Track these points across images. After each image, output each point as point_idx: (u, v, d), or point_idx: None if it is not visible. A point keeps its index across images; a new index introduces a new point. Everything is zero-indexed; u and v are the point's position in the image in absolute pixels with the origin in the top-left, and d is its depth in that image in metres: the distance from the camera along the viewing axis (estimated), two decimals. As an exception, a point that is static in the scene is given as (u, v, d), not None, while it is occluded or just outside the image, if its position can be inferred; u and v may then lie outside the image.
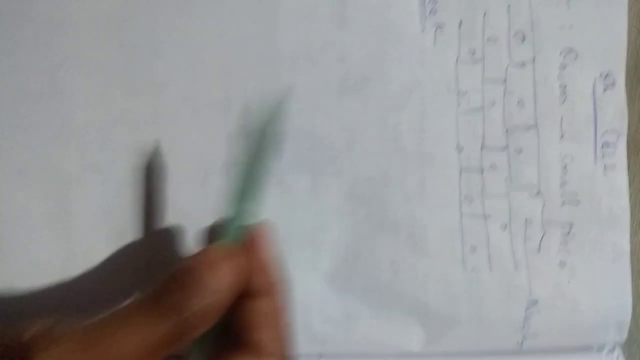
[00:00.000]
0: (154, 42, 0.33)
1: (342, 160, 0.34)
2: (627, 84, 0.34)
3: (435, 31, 0.34)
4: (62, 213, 0.33)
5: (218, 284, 0.24)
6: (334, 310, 0.35)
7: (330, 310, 0.35)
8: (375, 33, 0.33)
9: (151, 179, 0.33)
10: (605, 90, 0.33)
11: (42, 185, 0.33)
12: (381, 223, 0.34)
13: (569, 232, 0.34)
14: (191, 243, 0.34)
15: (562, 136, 0.34)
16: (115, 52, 0.33)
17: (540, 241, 0.34)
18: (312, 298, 0.34)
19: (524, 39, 0.33)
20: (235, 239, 0.26)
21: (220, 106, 0.33)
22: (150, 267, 0.34)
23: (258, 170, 0.26)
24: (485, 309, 0.35)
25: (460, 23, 0.33)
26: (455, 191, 0.34)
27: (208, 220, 0.33)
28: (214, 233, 0.27)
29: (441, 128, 0.34)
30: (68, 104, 0.33)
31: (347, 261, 0.34)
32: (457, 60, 0.34)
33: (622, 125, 0.34)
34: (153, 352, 0.23)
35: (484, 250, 0.34)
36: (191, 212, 0.34)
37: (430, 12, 0.33)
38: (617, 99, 0.34)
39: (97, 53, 0.33)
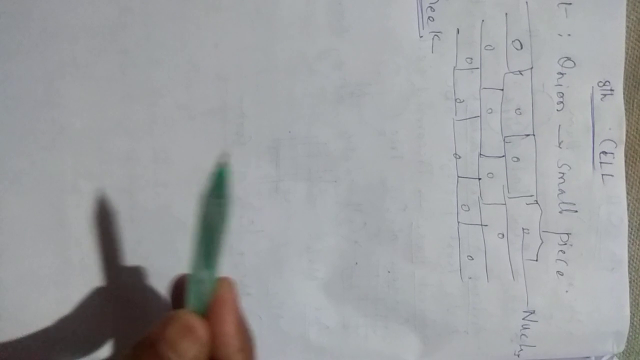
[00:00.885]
0: (150, 50, 0.33)
1: (338, 168, 0.34)
2: (625, 92, 0.33)
3: (433, 39, 0.33)
4: (58, 221, 0.33)
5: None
6: (329, 320, 0.34)
7: (326, 319, 0.34)
8: (373, 40, 0.33)
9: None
10: (603, 98, 0.33)
11: (37, 193, 0.33)
12: (378, 231, 0.34)
13: (566, 241, 0.34)
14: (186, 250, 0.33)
15: (559, 144, 0.34)
16: (112, 60, 0.33)
17: (538, 250, 0.34)
18: (307, 307, 0.34)
19: (521, 47, 0.33)
20: (199, 305, 0.25)
21: (216, 114, 0.33)
22: (144, 274, 0.33)
23: (215, 237, 0.24)
24: (482, 319, 0.34)
25: (458, 31, 0.33)
26: (453, 199, 0.34)
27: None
28: (179, 290, 0.26)
29: (438, 136, 0.34)
30: (64, 112, 0.33)
31: (343, 270, 0.34)
32: (454, 68, 0.34)
33: (620, 133, 0.34)
34: None
35: (481, 259, 0.34)
36: (187, 219, 0.33)
37: (428, 19, 0.33)
38: (615, 107, 0.33)
39: (93, 61, 0.33)
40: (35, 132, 0.33)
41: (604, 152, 0.34)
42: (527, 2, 0.33)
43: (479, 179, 0.34)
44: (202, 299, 0.25)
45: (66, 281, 0.33)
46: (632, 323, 0.35)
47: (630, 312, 0.34)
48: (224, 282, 0.26)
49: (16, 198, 0.33)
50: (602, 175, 0.34)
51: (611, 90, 0.33)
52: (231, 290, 0.26)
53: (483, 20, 0.33)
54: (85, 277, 0.33)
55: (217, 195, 0.24)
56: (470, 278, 0.34)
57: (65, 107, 0.33)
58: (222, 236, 0.24)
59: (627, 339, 0.35)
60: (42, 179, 0.33)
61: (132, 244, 0.33)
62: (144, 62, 0.33)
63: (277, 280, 0.34)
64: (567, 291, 0.34)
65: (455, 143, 0.34)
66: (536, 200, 0.34)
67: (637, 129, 0.34)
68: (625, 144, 0.34)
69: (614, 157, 0.34)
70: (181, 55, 0.33)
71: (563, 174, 0.34)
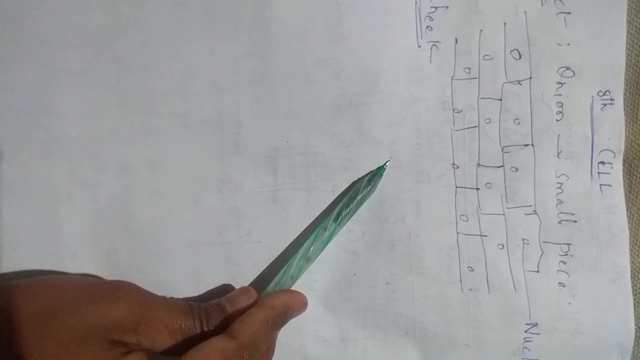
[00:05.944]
0: (145, 58, 0.33)
1: (337, 177, 0.33)
2: (625, 102, 0.33)
3: (432, 48, 0.33)
4: (52, 230, 0.33)
5: None
6: (328, 332, 0.34)
7: (324, 331, 0.34)
8: (371, 49, 0.33)
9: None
10: (603, 108, 0.33)
11: (31, 202, 0.33)
12: (376, 242, 0.34)
13: (567, 252, 0.34)
14: (180, 261, 0.33)
15: (558, 154, 0.33)
16: (106, 69, 0.32)
17: (539, 261, 0.34)
18: (305, 319, 0.34)
19: (520, 57, 0.33)
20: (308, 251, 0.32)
21: (212, 123, 0.33)
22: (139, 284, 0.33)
23: (351, 206, 0.33)
24: (483, 332, 0.34)
25: (457, 40, 0.33)
26: (451, 209, 0.34)
27: (200, 237, 0.33)
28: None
29: (437, 146, 0.34)
30: (58, 120, 0.32)
31: (342, 281, 0.34)
32: (452, 78, 0.33)
33: (620, 143, 0.33)
34: None
35: (482, 270, 0.34)
36: (182, 229, 0.33)
37: (427, 29, 0.33)
38: (615, 117, 0.33)
39: (88, 69, 0.32)
40: (30, 140, 0.32)
41: (602, 162, 0.34)
42: (525, 12, 0.33)
43: (477, 189, 0.34)
44: (317, 246, 0.32)
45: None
46: (637, 335, 0.34)
47: (635, 324, 0.34)
48: (300, 296, 0.33)
49: (10, 208, 0.32)
50: (600, 185, 0.34)
51: (611, 100, 0.33)
52: (300, 303, 0.33)
53: (481, 30, 0.33)
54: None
55: (369, 182, 0.33)
56: (471, 289, 0.34)
57: (59, 116, 0.32)
58: (356, 210, 0.33)
59: (633, 351, 0.34)
60: (36, 188, 0.32)
61: (127, 253, 0.33)
62: (139, 70, 0.33)
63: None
64: (569, 303, 0.34)
65: (453, 153, 0.34)
66: (535, 211, 0.34)
67: (636, 139, 0.34)
68: (628, 154, 0.34)
69: (612, 167, 0.34)
70: (177, 64, 0.33)
71: (561, 184, 0.34)
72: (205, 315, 0.30)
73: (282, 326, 0.31)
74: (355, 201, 0.32)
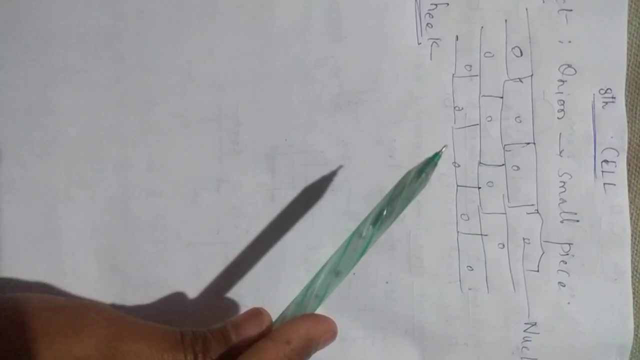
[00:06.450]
0: (144, 57, 0.33)
1: (336, 177, 0.33)
2: (627, 100, 0.33)
3: (432, 46, 0.33)
4: (51, 229, 0.33)
5: None
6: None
7: (323, 331, 0.34)
8: (371, 47, 0.33)
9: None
10: (604, 106, 0.33)
11: (30, 201, 0.33)
12: (376, 241, 0.33)
13: (568, 252, 0.33)
14: (178, 260, 0.33)
15: (560, 153, 0.33)
16: (106, 67, 0.33)
17: (539, 261, 0.33)
18: (304, 319, 0.34)
19: (521, 54, 0.33)
20: (337, 264, 0.27)
21: (212, 122, 0.33)
22: (137, 284, 0.33)
23: (395, 206, 0.26)
24: (482, 331, 0.34)
25: (457, 38, 0.33)
26: (452, 209, 0.34)
27: (198, 236, 0.33)
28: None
29: (437, 144, 0.33)
30: (57, 119, 0.32)
31: (341, 281, 0.34)
32: (453, 75, 0.33)
33: (623, 142, 0.33)
34: None
35: (482, 269, 0.34)
36: (181, 228, 0.33)
37: (427, 26, 0.33)
38: (617, 115, 0.33)
39: (87, 68, 0.32)
40: (28, 139, 0.32)
41: (606, 161, 0.33)
42: (527, 9, 0.33)
43: (479, 188, 0.34)
44: (347, 257, 0.26)
45: (59, 291, 0.33)
46: (636, 336, 0.34)
47: (635, 324, 0.34)
48: (327, 324, 0.27)
49: (8, 206, 0.33)
50: (604, 184, 0.33)
51: (613, 97, 0.33)
52: (327, 333, 0.27)
53: (482, 27, 0.33)
54: (78, 286, 0.33)
55: (419, 173, 0.26)
56: (470, 289, 0.34)
57: (58, 115, 0.33)
58: (401, 209, 0.26)
59: (632, 351, 0.34)
60: (34, 187, 0.33)
61: (126, 252, 0.33)
62: (139, 69, 0.33)
63: (273, 291, 0.33)
64: (569, 303, 0.34)
65: (454, 151, 0.33)
66: (537, 210, 0.33)
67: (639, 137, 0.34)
68: (629, 153, 0.33)
69: (615, 166, 0.33)
70: (176, 63, 0.33)
71: (564, 182, 0.33)
72: (202, 347, 0.24)
73: None
74: (400, 199, 0.26)
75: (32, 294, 0.27)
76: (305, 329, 0.25)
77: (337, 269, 0.27)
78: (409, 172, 0.27)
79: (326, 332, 0.27)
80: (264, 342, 0.24)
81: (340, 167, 0.33)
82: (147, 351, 0.23)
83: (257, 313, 0.26)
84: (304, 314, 0.27)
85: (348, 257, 0.26)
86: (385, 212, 0.26)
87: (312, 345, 0.26)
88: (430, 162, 0.27)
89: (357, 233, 0.27)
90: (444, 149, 0.27)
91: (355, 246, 0.26)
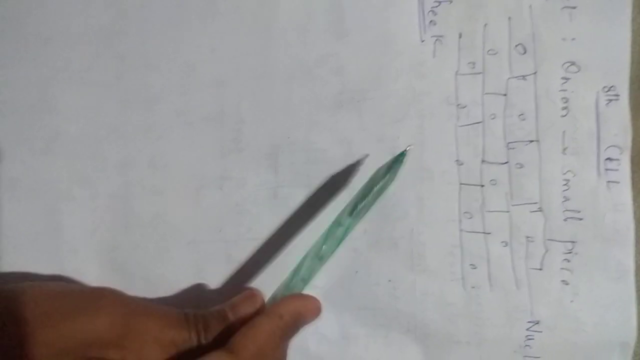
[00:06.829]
0: (146, 55, 0.33)
1: (339, 174, 0.33)
2: (631, 98, 0.33)
3: (435, 43, 0.33)
4: (52, 227, 0.33)
5: None
6: (329, 330, 0.34)
7: (326, 329, 0.34)
8: (373, 45, 0.33)
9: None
10: (608, 104, 0.33)
11: (32, 199, 0.33)
12: (378, 239, 0.33)
13: (571, 250, 0.33)
14: (180, 258, 0.33)
15: (564, 151, 0.33)
16: (107, 66, 0.33)
17: (542, 259, 0.33)
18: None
19: (525, 52, 0.33)
20: (321, 249, 0.30)
21: (214, 120, 0.33)
22: (139, 282, 0.33)
23: (368, 198, 0.30)
24: (485, 329, 0.34)
25: (460, 35, 0.33)
26: (455, 207, 0.33)
27: (201, 234, 0.33)
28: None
29: (440, 142, 0.33)
30: (59, 117, 0.33)
31: (343, 279, 0.34)
32: (456, 73, 0.33)
33: (626, 139, 0.33)
34: None
35: (484, 267, 0.34)
36: (183, 226, 0.33)
37: (430, 23, 0.33)
38: (621, 112, 0.33)
39: (89, 66, 0.33)
40: (30, 137, 0.33)
41: (609, 159, 0.33)
42: (530, 6, 0.32)
43: (482, 185, 0.33)
44: (329, 243, 0.30)
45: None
46: (639, 333, 0.34)
47: (638, 322, 0.34)
48: (312, 301, 0.30)
49: (10, 205, 0.33)
50: (608, 182, 0.33)
51: (616, 95, 0.33)
52: (312, 309, 0.29)
53: (486, 24, 0.33)
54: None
55: (387, 170, 0.30)
56: (473, 287, 0.34)
57: (60, 113, 0.33)
58: (373, 201, 0.30)
59: (634, 350, 0.34)
60: (36, 185, 0.33)
61: (127, 251, 0.33)
62: (140, 67, 0.33)
63: (275, 288, 0.33)
64: (572, 301, 0.33)
65: (457, 149, 0.33)
66: (540, 208, 0.33)
67: (643, 135, 0.34)
68: (632, 150, 0.33)
69: (619, 164, 0.33)
70: (178, 61, 0.33)
71: (567, 180, 0.33)
72: (203, 326, 0.27)
73: (292, 337, 0.28)
74: (372, 192, 0.30)
75: (38, 282, 0.29)
76: (294, 306, 0.28)
77: (320, 255, 0.30)
78: (379, 169, 0.31)
79: (313, 309, 0.29)
80: (259, 317, 0.27)
81: (348, 164, 0.33)
82: (155, 328, 0.26)
83: (251, 294, 0.29)
84: (293, 293, 0.30)
85: (329, 244, 0.30)
86: (360, 205, 0.29)
87: (301, 319, 0.29)
88: (397, 160, 0.30)
89: (336, 223, 0.30)
90: (409, 147, 0.31)
91: (335, 234, 0.30)
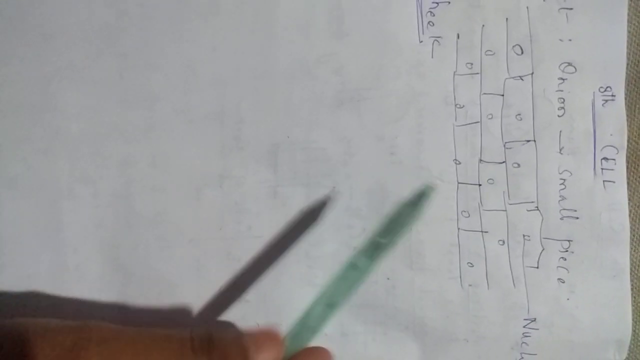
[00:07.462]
0: (147, 54, 0.33)
1: (337, 173, 0.33)
2: (627, 98, 0.33)
3: (433, 44, 0.33)
4: (54, 225, 0.33)
5: None
6: (328, 326, 0.34)
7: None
8: (373, 45, 0.33)
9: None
10: (604, 104, 0.33)
11: (33, 197, 0.33)
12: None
13: (567, 248, 0.34)
14: (181, 255, 0.33)
15: (560, 150, 0.33)
16: (109, 64, 0.33)
17: (539, 257, 0.34)
18: (306, 314, 0.34)
19: (522, 52, 0.33)
20: (329, 297, 0.26)
21: (214, 119, 0.33)
22: (141, 281, 0.33)
23: (389, 238, 0.26)
24: (482, 326, 0.34)
25: (458, 36, 0.33)
26: (453, 205, 0.34)
27: (201, 232, 0.33)
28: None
29: (438, 141, 0.34)
30: (60, 116, 0.33)
31: (342, 277, 0.34)
32: (454, 73, 0.33)
33: (622, 139, 0.33)
34: None
35: (482, 266, 0.34)
36: (184, 225, 0.33)
37: (428, 24, 0.33)
38: (617, 113, 0.33)
39: (90, 64, 0.33)
40: (31, 136, 0.33)
41: (606, 159, 0.33)
42: (527, 7, 0.33)
43: (479, 185, 0.34)
44: (342, 288, 0.26)
45: (62, 287, 0.33)
46: (634, 331, 0.34)
47: (633, 320, 0.34)
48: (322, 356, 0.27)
49: (11, 203, 0.33)
50: (604, 181, 0.33)
51: (612, 95, 0.33)
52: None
53: (483, 25, 0.33)
54: (80, 282, 0.33)
55: (412, 207, 0.27)
56: (471, 285, 0.34)
57: (61, 111, 0.33)
58: (396, 241, 0.26)
59: (630, 347, 0.34)
60: (37, 183, 0.33)
61: (129, 250, 0.33)
62: (142, 66, 0.33)
63: (275, 287, 0.34)
64: (568, 299, 0.34)
65: (455, 149, 0.34)
66: (537, 207, 0.34)
67: (639, 135, 0.34)
68: (628, 150, 0.33)
69: (615, 164, 0.33)
70: (179, 60, 0.33)
71: (564, 180, 0.34)
72: (219, 356, 0.23)
73: None
74: (395, 230, 0.26)
75: (24, 320, 0.25)
76: None
77: (331, 302, 0.26)
78: (402, 205, 0.28)
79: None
80: None
81: (342, 164, 0.33)
82: None
83: (274, 335, 0.26)
84: (304, 349, 0.27)
85: (342, 289, 0.26)
86: (379, 244, 0.26)
87: None
88: (423, 193, 0.28)
89: (351, 265, 0.26)
90: (435, 182, 0.29)
91: (349, 278, 0.26)
